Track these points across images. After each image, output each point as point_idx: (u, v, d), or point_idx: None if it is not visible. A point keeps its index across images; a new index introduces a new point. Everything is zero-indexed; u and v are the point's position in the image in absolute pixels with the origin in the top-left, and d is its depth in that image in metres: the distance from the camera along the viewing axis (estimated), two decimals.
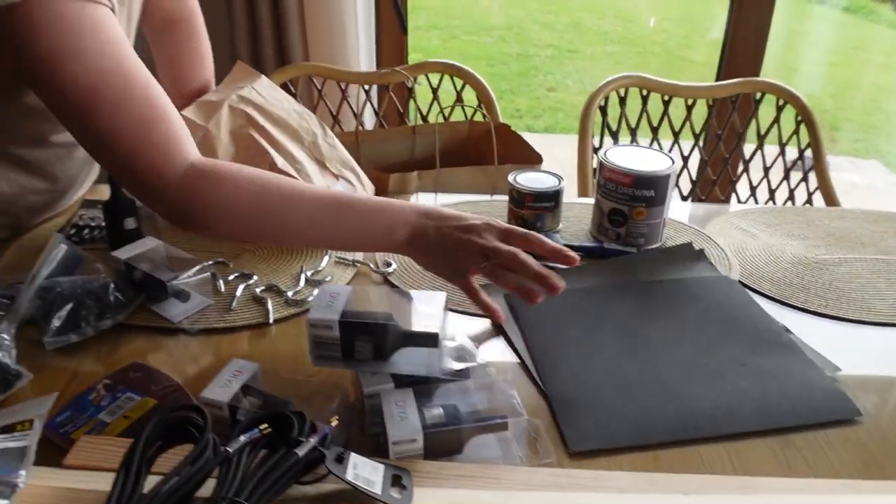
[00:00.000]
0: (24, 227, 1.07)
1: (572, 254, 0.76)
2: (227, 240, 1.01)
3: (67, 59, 0.73)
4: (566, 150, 4.42)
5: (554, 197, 1.03)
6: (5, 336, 0.79)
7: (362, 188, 1.13)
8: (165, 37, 1.12)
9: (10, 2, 0.70)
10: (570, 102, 5.59)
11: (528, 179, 1.05)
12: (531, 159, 1.29)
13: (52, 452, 0.63)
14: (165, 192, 0.77)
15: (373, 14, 1.94)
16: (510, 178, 1.06)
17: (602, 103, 1.53)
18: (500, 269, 0.76)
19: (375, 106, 1.59)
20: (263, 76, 1.11)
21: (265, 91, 1.09)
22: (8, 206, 1.01)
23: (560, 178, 1.06)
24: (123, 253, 0.88)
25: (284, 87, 1.57)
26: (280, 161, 1.01)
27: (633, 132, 1.56)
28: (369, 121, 1.72)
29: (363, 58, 1.88)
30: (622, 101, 1.56)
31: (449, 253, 0.77)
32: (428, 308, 0.70)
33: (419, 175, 1.21)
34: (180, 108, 0.90)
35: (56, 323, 0.81)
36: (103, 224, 1.05)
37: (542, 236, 0.77)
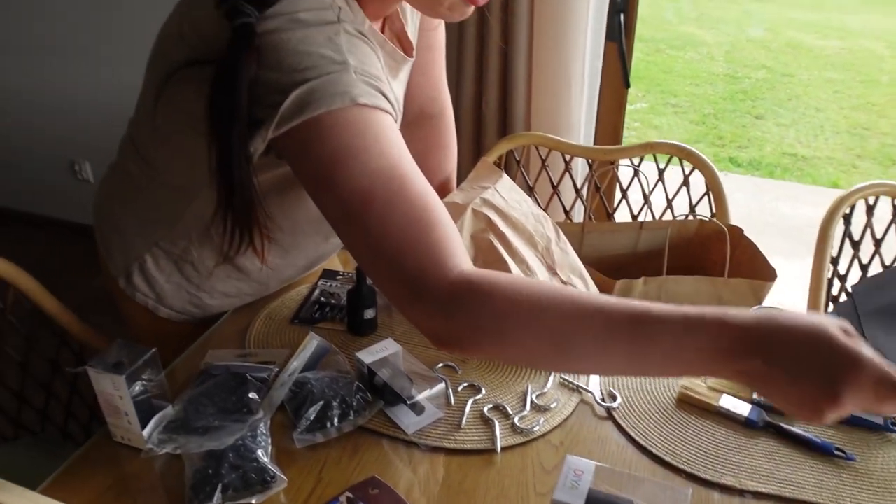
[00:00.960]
0: (270, 292, 1.17)
1: None
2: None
3: (347, 159, 0.72)
4: (777, 198, 4.14)
5: None
6: (263, 430, 0.87)
7: None
8: (416, 130, 1.16)
9: (303, 118, 0.73)
10: (778, 134, 5.23)
11: None
12: (764, 272, 1.23)
13: None
14: (431, 302, 0.70)
15: (598, 81, 1.92)
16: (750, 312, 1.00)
17: (847, 211, 1.40)
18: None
19: (597, 180, 1.58)
20: (505, 175, 1.14)
21: (506, 192, 1.11)
22: (261, 278, 1.11)
23: None
24: (367, 356, 0.94)
25: (510, 154, 1.60)
26: (515, 270, 1.03)
27: (878, 243, 1.42)
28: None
29: (584, 122, 1.87)
30: (870, 209, 1.42)
31: (828, 370, 0.58)
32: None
33: (645, 281, 1.19)
34: None
35: (305, 422, 0.89)
36: (343, 303, 1.13)
37: None
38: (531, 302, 0.68)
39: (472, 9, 0.82)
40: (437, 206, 0.75)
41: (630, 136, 5.02)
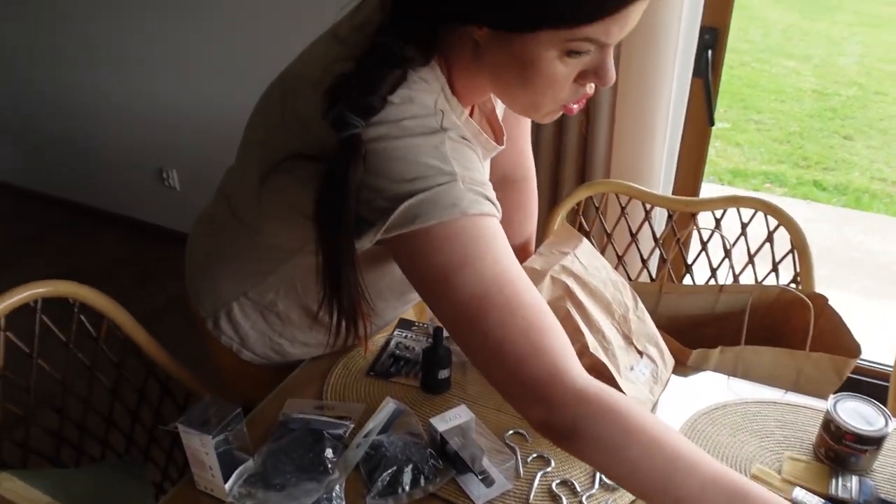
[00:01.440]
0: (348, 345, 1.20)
1: None
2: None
3: (462, 267, 0.75)
4: (864, 231, 3.95)
5: (878, 441, 0.95)
6: (338, 492, 0.90)
7: (663, 365, 1.12)
8: (499, 192, 1.17)
9: (413, 228, 0.75)
10: (867, 157, 5.01)
11: (850, 412, 0.97)
12: (847, 347, 1.19)
13: None
14: (556, 407, 0.74)
15: (682, 120, 1.89)
16: (830, 402, 0.98)
17: None
18: None
19: (677, 230, 1.56)
20: (585, 240, 1.14)
21: (585, 259, 1.11)
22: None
23: (888, 418, 0.96)
24: (440, 423, 0.96)
25: (588, 200, 1.59)
26: (591, 343, 1.03)
27: None
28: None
29: (665, 164, 1.85)
30: None
31: None
32: None
33: (721, 350, 1.17)
34: None
35: (379, 485, 0.91)
36: (417, 359, 1.15)
37: None
38: (646, 437, 0.72)
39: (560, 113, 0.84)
40: (548, 311, 0.78)
41: (710, 156, 4.89)
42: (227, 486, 0.91)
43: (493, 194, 0.81)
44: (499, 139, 0.97)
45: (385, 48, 0.75)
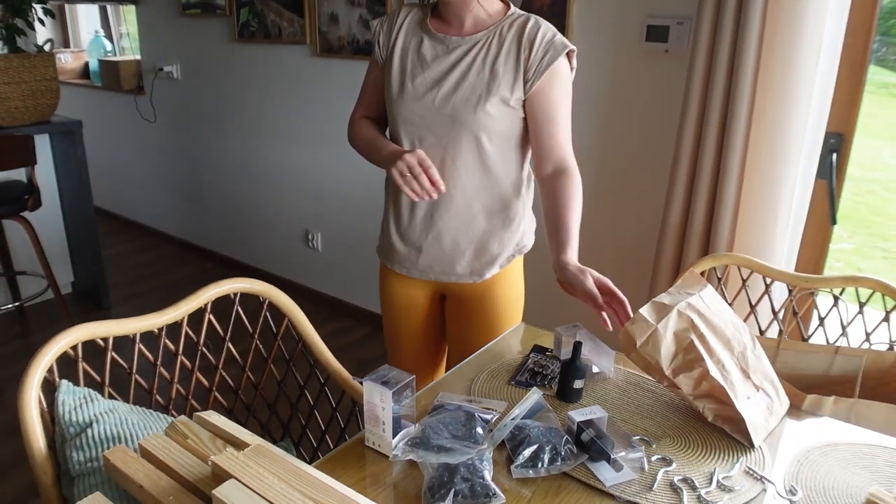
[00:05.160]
0: None
1: None
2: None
3: None
4: None
5: None
6: (487, 457, 1.06)
7: (778, 402, 1.23)
8: (555, 182, 1.45)
9: None
10: None
11: None
12: None
13: None
14: None
15: (805, 215, 2.02)
16: None
17: None
18: None
19: (795, 305, 1.66)
20: (710, 286, 1.29)
21: (709, 300, 1.26)
22: None
23: None
24: (578, 415, 1.11)
25: (711, 271, 1.73)
26: (713, 369, 1.16)
27: None
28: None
29: (786, 252, 1.96)
30: None
31: None
32: None
33: (836, 401, 1.27)
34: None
35: (522, 458, 1.07)
36: (552, 374, 1.32)
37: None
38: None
39: None
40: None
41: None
42: (394, 441, 1.10)
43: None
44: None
45: None
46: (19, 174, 3.33)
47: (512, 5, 1.48)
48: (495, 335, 1.57)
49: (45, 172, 3.44)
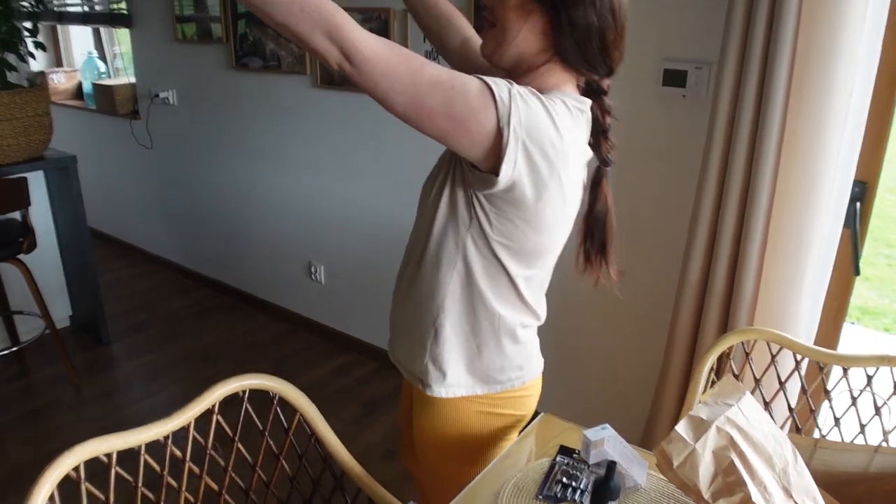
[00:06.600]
0: None
1: None
2: None
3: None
4: None
5: None
6: None
7: None
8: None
9: None
10: None
11: None
12: None
13: None
14: None
15: (832, 260, 1.95)
16: None
17: None
18: None
19: (826, 382, 1.60)
20: (748, 393, 1.22)
21: (748, 411, 1.19)
22: None
23: None
24: None
25: (737, 345, 1.67)
26: (755, 494, 1.10)
27: None
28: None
29: (810, 309, 1.90)
30: None
31: None
32: None
33: None
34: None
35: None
36: (582, 486, 1.25)
37: None
38: None
39: None
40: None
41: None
42: None
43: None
44: None
45: None
46: (14, 212, 3.25)
47: None
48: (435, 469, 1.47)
49: (41, 209, 3.36)
